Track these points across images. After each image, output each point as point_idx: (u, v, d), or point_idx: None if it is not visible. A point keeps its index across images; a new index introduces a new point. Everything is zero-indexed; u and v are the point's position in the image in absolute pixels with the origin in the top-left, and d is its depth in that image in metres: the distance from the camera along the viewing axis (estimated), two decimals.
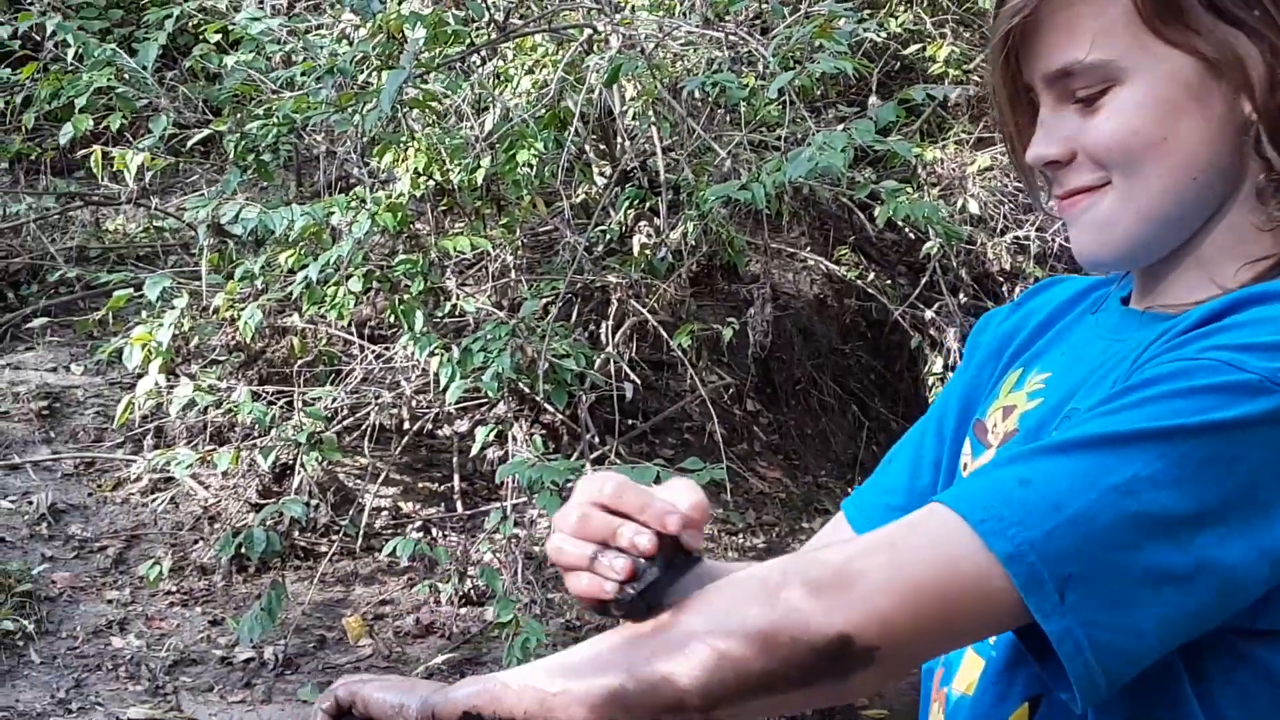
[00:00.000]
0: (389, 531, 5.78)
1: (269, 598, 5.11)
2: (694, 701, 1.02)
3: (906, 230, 6.63)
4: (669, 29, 6.06)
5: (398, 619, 5.51)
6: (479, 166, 5.81)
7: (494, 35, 5.95)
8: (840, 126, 5.65)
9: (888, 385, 7.19)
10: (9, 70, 6.44)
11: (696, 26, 6.02)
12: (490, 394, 5.60)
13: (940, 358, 6.35)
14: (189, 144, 6.08)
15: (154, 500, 5.84)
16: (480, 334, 5.53)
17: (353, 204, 5.53)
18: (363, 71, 5.61)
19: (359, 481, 5.96)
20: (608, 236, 6.13)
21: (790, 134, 5.85)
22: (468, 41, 5.80)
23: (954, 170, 6.85)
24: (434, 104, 5.91)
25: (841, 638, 1.01)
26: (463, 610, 5.55)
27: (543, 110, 5.88)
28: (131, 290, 5.68)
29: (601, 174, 6.33)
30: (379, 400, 5.95)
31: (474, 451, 5.76)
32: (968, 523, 1.02)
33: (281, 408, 5.81)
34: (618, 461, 5.65)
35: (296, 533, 5.72)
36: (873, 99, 6.48)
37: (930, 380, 6.30)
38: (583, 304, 6.20)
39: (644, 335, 6.34)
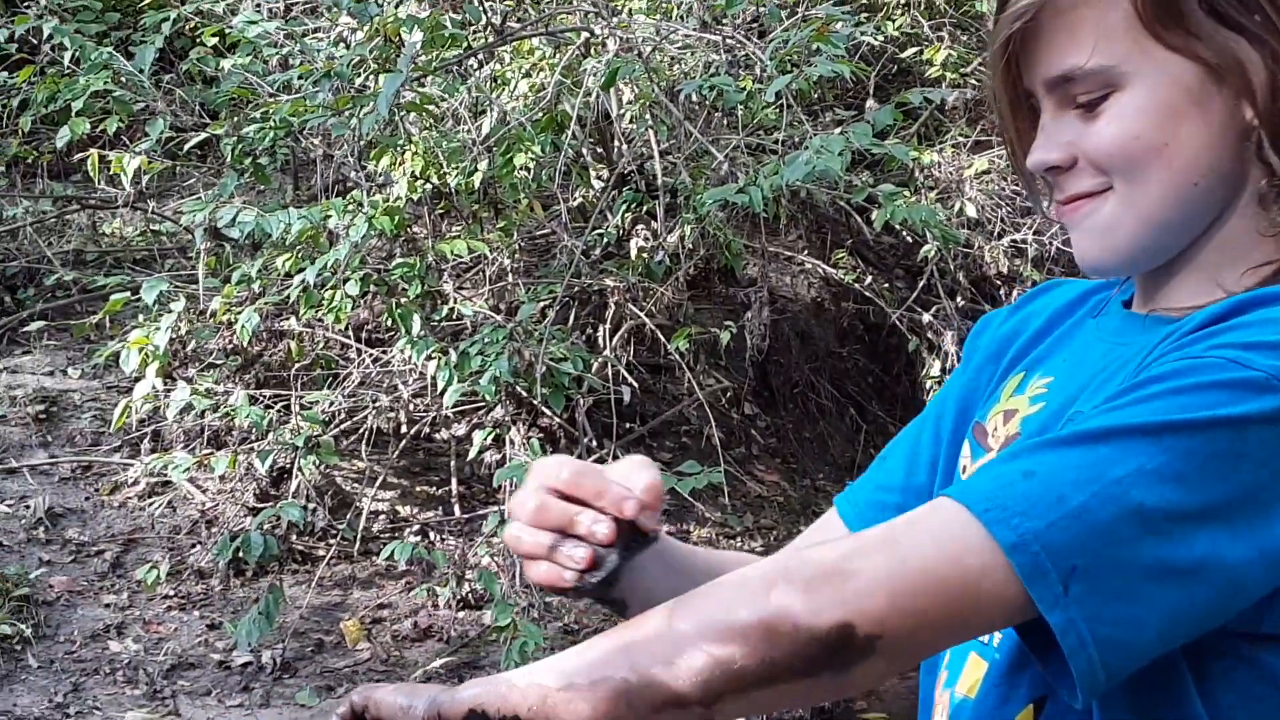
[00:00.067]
0: (387, 535, 5.78)
1: (267, 601, 5.10)
2: (697, 694, 1.02)
3: (904, 234, 6.63)
4: (666, 32, 6.06)
5: (395, 622, 5.51)
6: (476, 170, 5.81)
7: (491, 39, 5.95)
8: (838, 130, 5.66)
9: (885, 388, 7.20)
10: (6, 74, 6.43)
11: (694, 30, 6.03)
12: (488, 397, 5.59)
13: (938, 361, 6.35)
14: (186, 147, 6.08)
15: (151, 504, 5.83)
16: (478, 337, 5.53)
17: (350, 207, 5.53)
18: (360, 75, 5.61)
19: (356, 485, 5.96)
20: (605, 240, 6.13)
21: (788, 137, 5.85)
22: (465, 45, 5.80)
23: (951, 174, 6.86)
24: (431, 107, 5.91)
25: (843, 626, 1.00)
26: (461, 614, 5.55)
27: (540, 114, 5.88)
28: (128, 294, 5.68)
29: (599, 177, 6.33)
30: (376, 404, 5.95)
31: (471, 455, 5.76)
32: (971, 513, 1.02)
33: (279, 411, 5.80)
34: None
35: (294, 536, 5.72)
36: (870, 102, 6.49)
37: (928, 383, 6.30)
38: (580, 307, 6.21)
39: (641, 339, 6.34)
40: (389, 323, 5.78)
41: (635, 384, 6.06)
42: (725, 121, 6.53)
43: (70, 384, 6.33)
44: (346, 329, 6.08)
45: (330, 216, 5.44)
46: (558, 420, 5.94)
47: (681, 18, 6.14)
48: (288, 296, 5.63)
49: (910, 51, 7.19)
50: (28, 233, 6.92)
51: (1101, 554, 1.00)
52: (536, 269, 6.44)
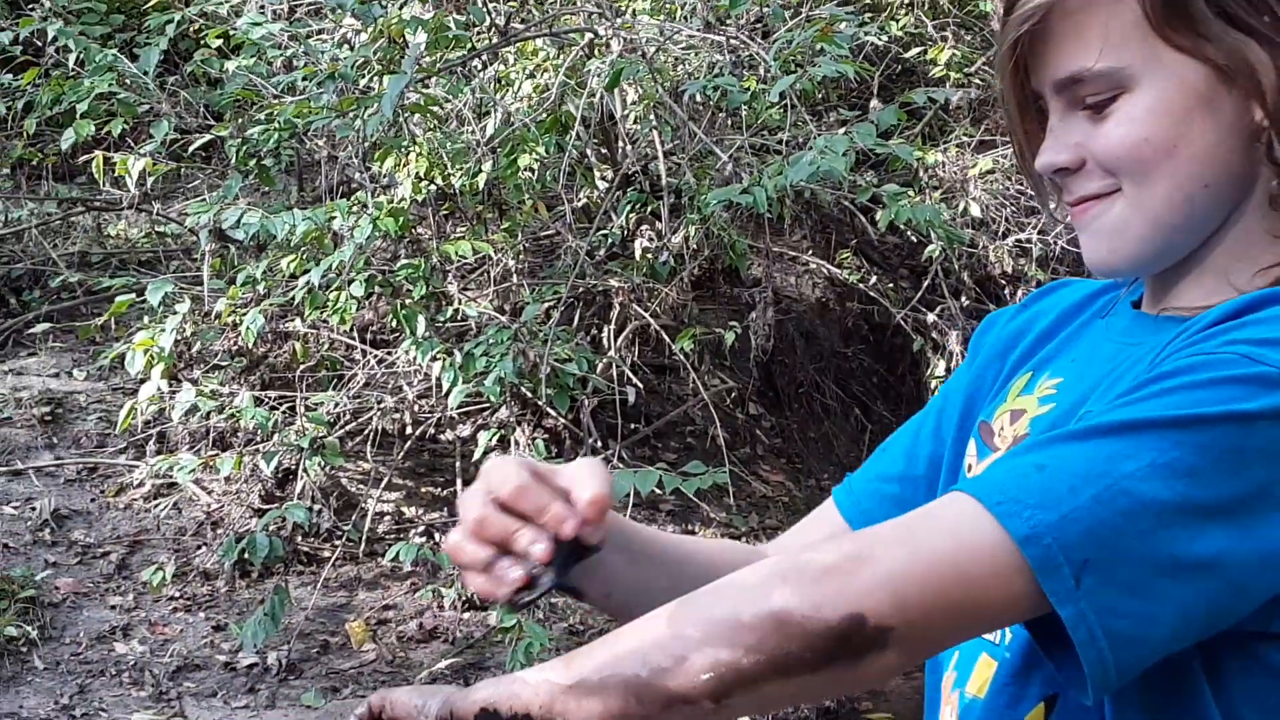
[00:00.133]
0: (392, 536, 5.79)
1: (272, 603, 5.11)
2: (708, 690, 1.02)
3: (908, 233, 6.62)
4: (670, 33, 6.06)
5: (401, 624, 5.51)
6: (480, 171, 5.82)
7: (495, 40, 5.95)
8: (842, 130, 5.66)
9: (890, 388, 7.20)
10: (10, 76, 6.44)
11: (697, 30, 6.03)
12: (492, 398, 5.60)
13: (942, 361, 6.35)
14: (190, 149, 6.09)
15: (157, 506, 5.84)
16: (482, 338, 5.54)
17: (354, 209, 5.53)
18: (364, 76, 5.61)
19: (362, 486, 5.96)
20: (609, 240, 6.13)
21: (792, 138, 5.85)
22: (469, 46, 5.80)
23: (955, 173, 6.85)
24: (435, 109, 5.91)
25: (854, 617, 1.00)
26: (466, 615, 5.55)
27: (544, 114, 5.88)
28: (134, 295, 5.69)
29: (603, 178, 6.33)
30: (381, 405, 5.95)
31: (476, 456, 5.76)
32: (984, 505, 1.01)
33: (284, 413, 5.81)
34: (620, 466, 5.65)
35: (299, 538, 5.72)
36: (874, 102, 6.49)
37: (933, 383, 6.30)
38: (585, 308, 6.21)
39: (646, 339, 6.34)
40: (394, 324, 5.78)
41: (640, 384, 6.06)
42: (729, 122, 6.53)
43: (76, 386, 6.34)
44: (351, 330, 6.09)
45: (335, 218, 5.44)
46: (562, 421, 5.94)
47: (685, 18, 6.15)
48: (293, 298, 5.63)
49: (914, 51, 7.19)
50: (33, 235, 6.93)
51: (1114, 547, 0.99)
52: (541, 270, 6.44)
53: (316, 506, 5.70)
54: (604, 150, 6.43)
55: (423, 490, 6.07)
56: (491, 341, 5.48)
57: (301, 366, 6.03)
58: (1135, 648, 1.01)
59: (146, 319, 5.69)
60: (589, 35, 6.01)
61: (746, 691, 1.02)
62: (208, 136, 6.02)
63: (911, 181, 6.61)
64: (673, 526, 5.97)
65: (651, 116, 6.08)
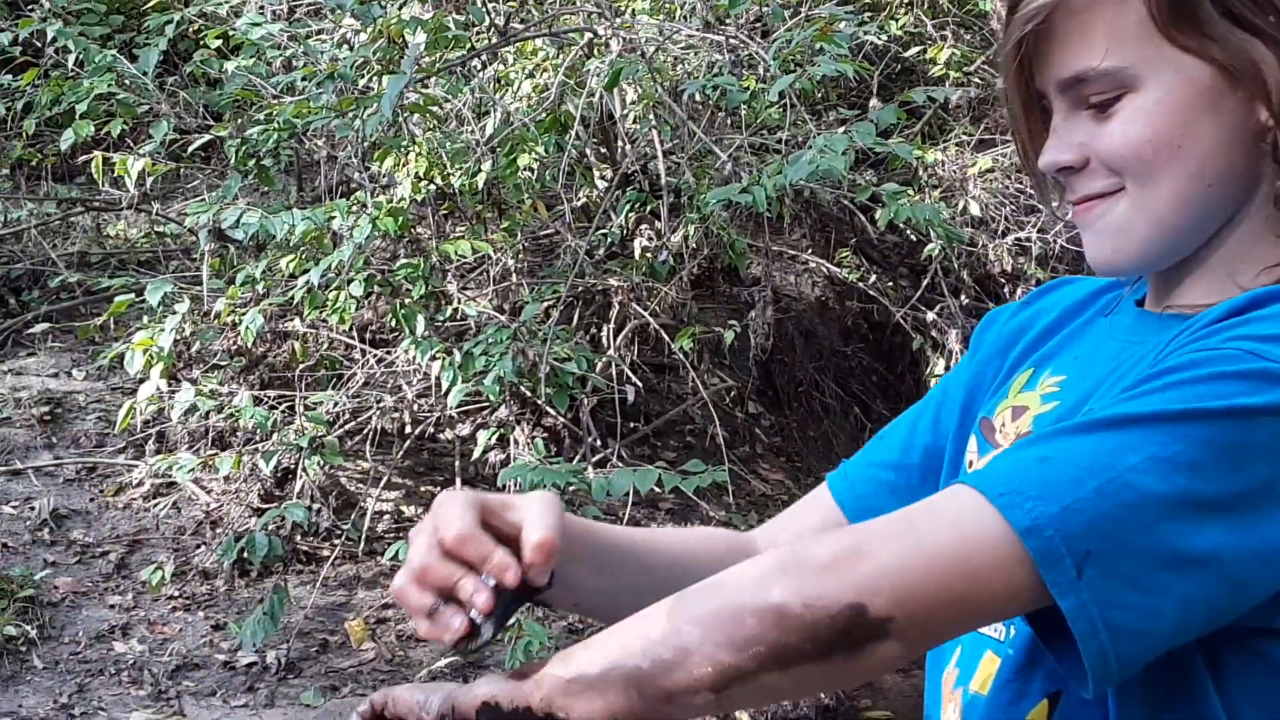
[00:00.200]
0: (391, 535, 5.79)
1: (271, 602, 5.11)
2: (708, 681, 1.02)
3: (908, 232, 6.62)
4: (669, 32, 6.07)
5: (400, 623, 5.51)
6: (480, 170, 5.82)
7: (494, 39, 5.95)
8: (841, 129, 5.66)
9: (890, 387, 7.20)
10: (10, 76, 6.44)
11: (697, 30, 6.03)
12: (492, 398, 5.60)
13: (942, 359, 6.36)
14: (190, 149, 6.09)
15: (156, 505, 5.84)
16: (482, 338, 5.54)
17: (354, 208, 5.53)
18: (363, 76, 5.61)
19: (361, 485, 5.96)
20: (609, 240, 6.13)
21: (791, 137, 5.85)
22: (468, 46, 5.80)
23: (955, 172, 6.86)
24: (435, 108, 5.91)
25: (854, 607, 1.00)
26: None
27: (543, 114, 5.88)
28: (133, 295, 5.69)
29: (602, 177, 6.33)
30: (380, 404, 5.95)
31: (476, 455, 5.76)
32: (986, 497, 1.02)
33: (283, 412, 5.81)
34: (619, 465, 5.65)
35: (299, 537, 5.72)
36: (873, 101, 6.49)
37: (932, 382, 6.30)
38: (584, 307, 6.21)
39: (645, 338, 6.34)
40: (393, 323, 5.78)
41: (639, 383, 6.06)
42: (729, 121, 6.53)
43: (75, 385, 6.34)
44: (351, 330, 6.09)
45: (334, 218, 5.44)
46: (562, 420, 5.94)
47: (685, 18, 6.15)
48: (292, 297, 5.63)
49: (913, 50, 7.19)
50: (32, 235, 6.93)
51: (1116, 540, 1.00)
52: (540, 269, 6.44)
53: (316, 506, 5.70)
54: (603, 150, 6.43)
55: (422, 489, 6.07)
56: (491, 341, 5.48)
57: (301, 366, 6.03)
58: (1136, 641, 1.01)
59: (146, 319, 5.69)
60: (588, 35, 6.01)
61: (746, 683, 1.02)
62: (207, 137, 6.02)
63: (911, 180, 6.61)
64: (672, 525, 5.97)
65: (651, 116, 6.08)
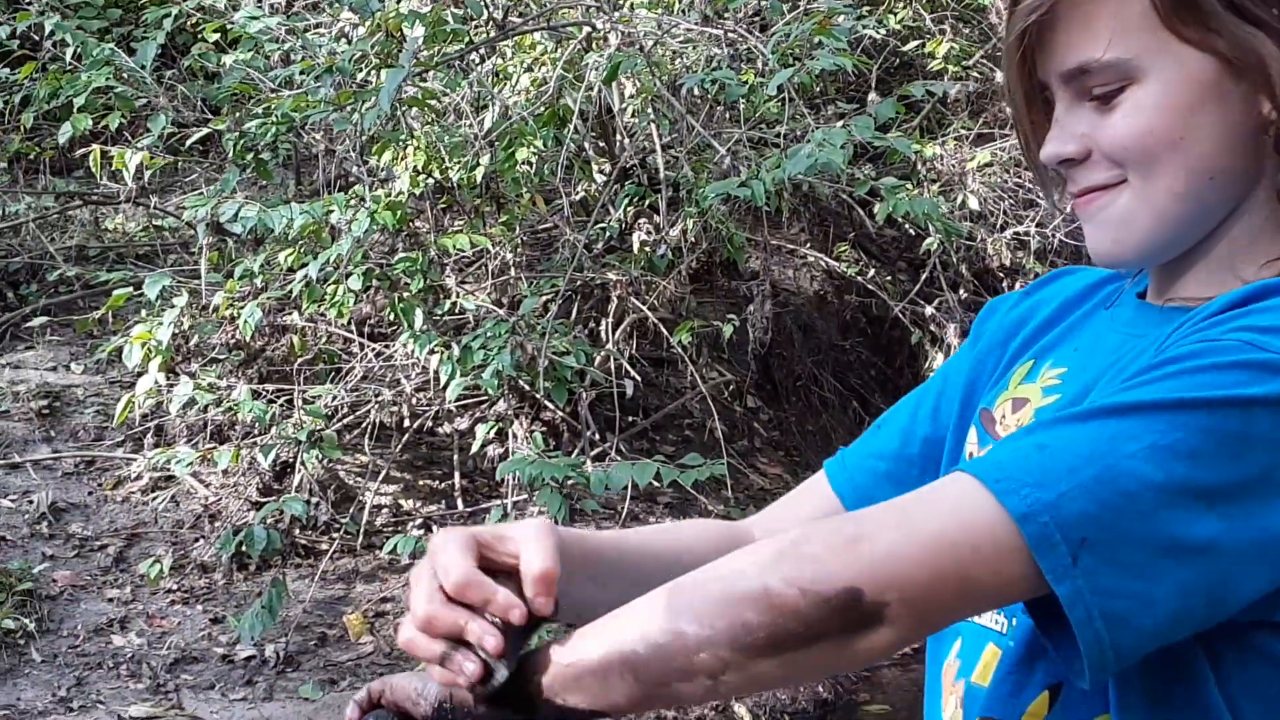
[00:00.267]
0: (390, 529, 5.79)
1: (270, 595, 5.11)
2: (704, 666, 1.02)
3: (906, 226, 6.63)
4: (668, 26, 6.06)
5: (398, 616, 5.51)
6: (478, 164, 5.81)
7: (493, 33, 5.95)
8: (840, 123, 5.66)
9: (888, 381, 7.20)
10: (8, 70, 6.44)
11: (695, 24, 6.03)
12: (490, 391, 5.60)
13: (940, 353, 6.36)
14: (188, 143, 6.09)
15: (154, 498, 5.84)
16: (480, 331, 5.53)
17: (352, 202, 5.53)
18: (361, 70, 5.61)
19: (359, 479, 5.96)
20: (607, 234, 6.13)
21: (790, 131, 5.86)
22: (466, 40, 5.80)
23: (954, 166, 6.86)
24: (433, 102, 5.91)
25: (850, 591, 1.00)
26: None
27: (542, 108, 5.88)
28: (131, 289, 5.68)
29: (601, 171, 6.33)
30: (379, 398, 5.95)
31: (474, 449, 5.76)
32: (983, 483, 1.02)
33: (281, 406, 5.81)
34: (618, 458, 5.65)
35: (297, 530, 5.72)
36: (872, 95, 6.49)
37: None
38: (583, 301, 6.21)
39: (644, 332, 6.34)
40: (391, 317, 5.78)
41: (638, 377, 6.06)
42: (727, 115, 6.53)
43: (73, 379, 6.34)
44: (349, 324, 6.09)
45: (332, 211, 5.44)
46: (560, 414, 5.94)
47: (683, 12, 6.15)
48: (290, 291, 5.63)
49: (912, 45, 7.19)
50: (30, 229, 6.93)
51: (1112, 527, 1.00)
52: (539, 263, 6.44)
53: (314, 499, 5.70)
54: (602, 144, 6.42)
55: (421, 483, 6.07)
56: (489, 334, 5.48)
57: (299, 360, 6.03)
58: (1133, 630, 1.01)
59: (144, 312, 5.69)
60: (587, 29, 6.00)
61: (743, 669, 1.03)
62: (205, 130, 6.01)
63: (910, 174, 6.62)
64: (670, 519, 5.97)
65: (649, 110, 6.08)
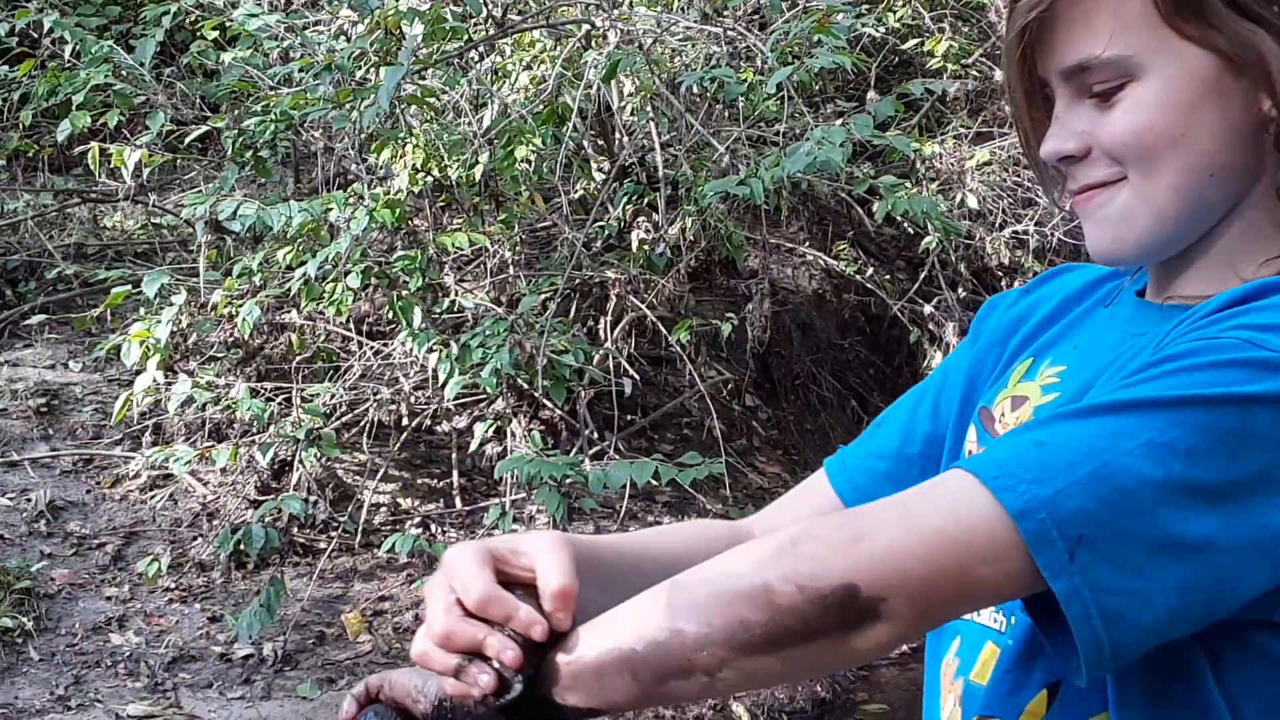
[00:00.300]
0: (388, 528, 5.79)
1: (268, 594, 5.11)
2: (703, 663, 1.02)
3: (905, 225, 6.63)
4: (667, 24, 6.06)
5: (397, 615, 5.51)
6: (477, 162, 5.81)
7: (492, 31, 5.95)
8: (839, 121, 5.66)
9: (887, 380, 7.20)
10: (6, 67, 6.43)
11: (694, 22, 6.03)
12: (489, 390, 5.60)
13: (939, 352, 6.36)
14: (186, 141, 6.08)
15: (153, 497, 5.84)
16: (479, 330, 5.53)
17: (351, 200, 5.53)
18: (360, 68, 5.60)
19: (358, 478, 5.96)
20: (606, 232, 6.13)
21: (788, 129, 5.85)
22: (466, 37, 5.80)
23: (953, 165, 6.86)
24: (432, 100, 5.91)
25: (846, 588, 1.00)
26: None
27: (541, 106, 5.88)
28: (129, 287, 5.68)
29: (600, 169, 6.33)
30: (377, 396, 5.95)
31: (473, 447, 5.76)
32: (980, 480, 1.01)
33: (280, 404, 5.81)
34: (616, 457, 5.65)
35: (295, 529, 5.72)
36: (871, 94, 6.49)
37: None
38: (581, 299, 6.21)
39: (643, 331, 6.34)
40: (390, 315, 5.78)
41: (636, 376, 6.06)
42: (726, 113, 6.53)
43: (71, 377, 6.34)
44: (348, 322, 6.09)
45: (331, 209, 5.44)
46: (559, 412, 5.94)
47: (682, 10, 6.15)
48: (289, 289, 5.63)
49: (911, 43, 7.19)
50: (29, 226, 6.92)
51: (1109, 524, 0.99)
52: (537, 261, 6.44)
53: (312, 498, 5.70)
54: (601, 142, 6.42)
55: (419, 482, 6.07)
56: (488, 333, 5.47)
57: (298, 358, 6.03)
58: (1130, 627, 1.00)
59: (142, 310, 5.69)
60: (586, 27, 6.00)
61: (741, 666, 1.02)
62: (204, 128, 6.01)
63: (909, 173, 6.62)
64: (669, 518, 5.97)
65: (648, 108, 6.08)
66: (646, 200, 6.14)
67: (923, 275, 6.65)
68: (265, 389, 5.92)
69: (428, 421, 6.09)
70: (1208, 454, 1.00)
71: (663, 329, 6.15)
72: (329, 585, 5.59)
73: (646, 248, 6.03)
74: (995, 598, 1.08)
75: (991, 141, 6.94)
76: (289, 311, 6.07)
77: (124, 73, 6.06)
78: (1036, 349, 1.31)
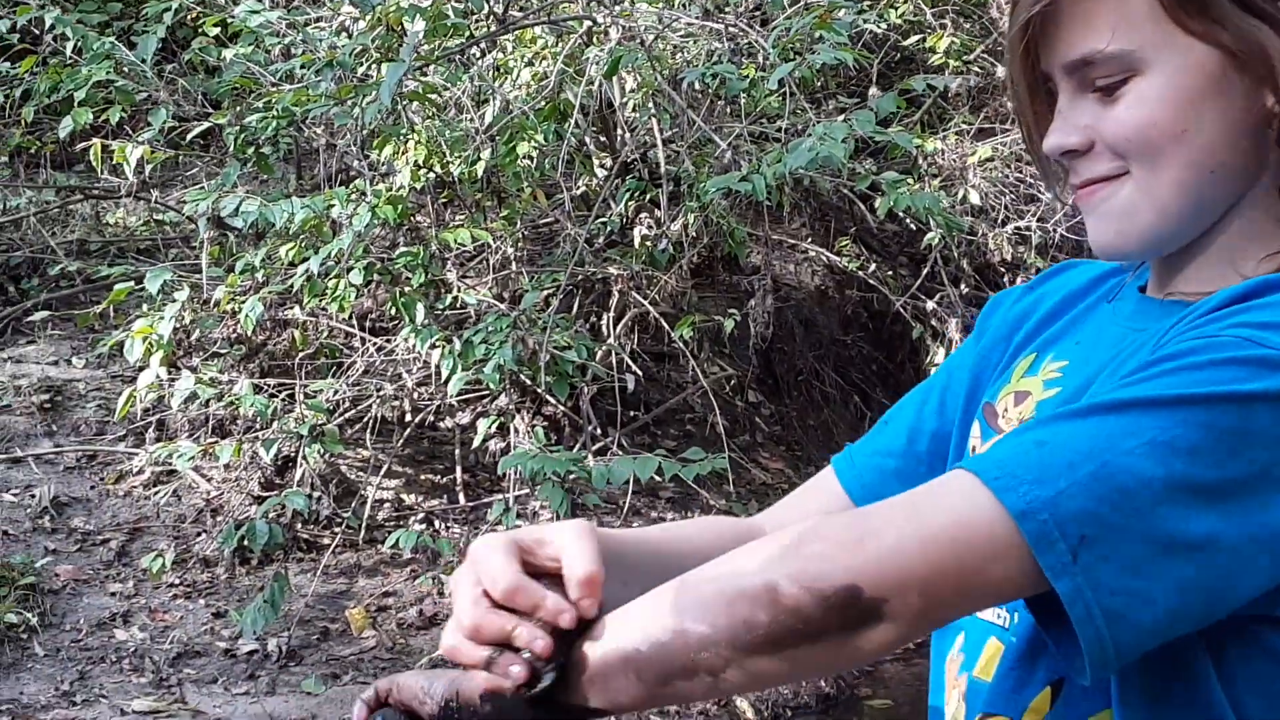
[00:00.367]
0: (391, 523, 5.79)
1: (272, 590, 5.11)
2: (706, 663, 1.03)
3: (907, 221, 6.63)
4: (668, 20, 6.06)
5: (401, 611, 5.52)
6: (479, 159, 5.81)
7: (493, 27, 5.95)
8: (841, 117, 5.66)
9: (890, 376, 7.20)
10: (8, 64, 6.43)
11: (696, 18, 6.03)
12: (492, 386, 5.60)
13: (942, 348, 6.36)
14: (189, 137, 6.09)
15: (156, 493, 5.84)
16: (481, 326, 5.54)
17: (353, 197, 5.53)
18: (362, 64, 5.61)
19: (361, 474, 5.97)
20: (608, 228, 6.13)
21: (790, 125, 5.85)
22: (467, 34, 5.80)
23: (955, 161, 6.85)
24: (434, 96, 5.91)
25: (849, 588, 1.00)
26: None
27: (543, 102, 5.88)
28: (132, 283, 5.69)
29: (602, 166, 6.33)
30: (380, 392, 5.95)
31: (476, 443, 5.77)
32: (982, 481, 1.02)
33: (283, 400, 5.81)
34: (619, 453, 5.65)
35: (299, 525, 5.73)
36: (873, 90, 6.49)
37: (932, 371, 6.29)
38: (584, 296, 6.21)
39: (645, 327, 6.34)
40: (393, 311, 5.78)
41: (639, 372, 6.06)
42: (728, 109, 6.53)
43: (75, 373, 6.34)
44: (350, 318, 6.09)
45: (333, 206, 5.44)
46: (562, 408, 5.94)
47: (684, 6, 6.14)
48: (291, 285, 5.63)
49: (913, 39, 7.18)
50: (31, 223, 6.93)
51: (1110, 524, 0.99)
52: (540, 257, 6.44)
53: (316, 494, 5.71)
54: (603, 138, 6.42)
55: (422, 477, 6.07)
56: (491, 329, 5.48)
57: (301, 354, 6.03)
58: (1133, 627, 1.00)
59: (145, 307, 5.69)
60: (587, 23, 6.00)
61: (745, 666, 1.03)
62: (206, 124, 6.01)
63: (911, 169, 6.61)
64: (672, 514, 5.98)
65: (650, 104, 6.08)
66: (649, 196, 6.15)
67: (925, 271, 6.65)
68: (268, 385, 5.93)
69: (431, 417, 6.09)
70: (1208, 452, 1.01)
71: (665, 325, 6.15)
72: (333, 581, 5.60)
73: (649, 244, 6.04)
74: (998, 598, 1.08)
75: (994, 137, 6.93)
76: (292, 308, 6.07)
77: (126, 69, 6.07)
78: (1040, 344, 1.32)
